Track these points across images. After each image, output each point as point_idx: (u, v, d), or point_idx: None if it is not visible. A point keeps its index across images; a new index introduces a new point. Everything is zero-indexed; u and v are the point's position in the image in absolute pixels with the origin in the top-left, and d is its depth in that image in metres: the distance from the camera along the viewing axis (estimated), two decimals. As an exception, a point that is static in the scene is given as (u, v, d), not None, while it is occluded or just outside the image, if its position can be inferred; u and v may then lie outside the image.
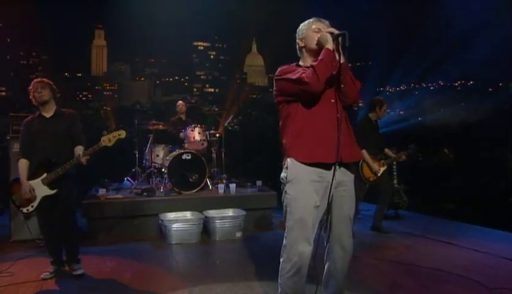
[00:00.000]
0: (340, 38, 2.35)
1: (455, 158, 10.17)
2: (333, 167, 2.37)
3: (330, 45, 2.35)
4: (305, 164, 2.37)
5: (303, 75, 2.32)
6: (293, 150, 2.41)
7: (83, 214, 5.32)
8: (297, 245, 2.33)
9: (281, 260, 2.43)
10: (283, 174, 2.47)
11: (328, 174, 2.37)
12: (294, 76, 2.36)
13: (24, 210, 3.64)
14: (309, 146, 2.37)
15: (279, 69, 2.50)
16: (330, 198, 2.42)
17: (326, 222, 2.49)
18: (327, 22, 2.52)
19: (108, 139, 3.61)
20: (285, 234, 2.43)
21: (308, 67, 2.38)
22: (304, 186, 2.36)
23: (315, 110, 2.40)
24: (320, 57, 2.34)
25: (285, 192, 2.44)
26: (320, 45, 2.41)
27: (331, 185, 2.37)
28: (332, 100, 2.43)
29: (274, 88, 2.54)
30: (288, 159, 2.42)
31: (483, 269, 3.94)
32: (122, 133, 3.68)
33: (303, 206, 2.36)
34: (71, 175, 3.73)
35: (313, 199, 2.36)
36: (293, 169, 2.40)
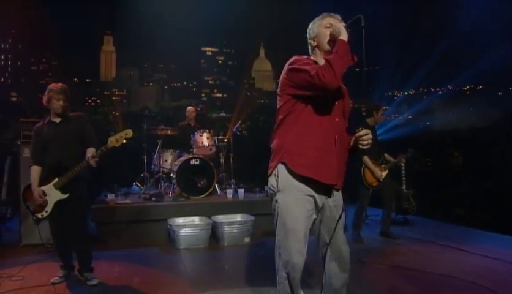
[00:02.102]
0: (354, 26, 2.24)
1: (464, 162, 10.09)
2: (327, 186, 2.33)
3: (344, 36, 2.21)
4: (300, 175, 2.28)
5: (319, 70, 2.14)
6: (289, 158, 2.29)
7: (92, 218, 5.35)
8: (290, 256, 2.27)
9: (276, 268, 2.38)
10: (273, 182, 2.35)
11: (320, 187, 2.31)
12: (312, 71, 2.16)
13: (39, 215, 3.65)
14: (308, 159, 2.28)
15: (294, 59, 2.35)
16: (321, 208, 2.37)
17: (318, 232, 2.43)
18: (338, 16, 2.39)
19: (115, 140, 3.60)
20: (277, 244, 2.35)
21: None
22: (296, 195, 2.29)
23: (320, 121, 2.30)
24: (334, 50, 2.19)
25: (276, 200, 2.34)
26: (334, 38, 2.27)
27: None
28: (337, 119, 2.36)
29: (284, 76, 2.35)
30: (280, 165, 2.31)
31: (493, 276, 3.89)
32: (129, 132, 3.66)
33: (295, 215, 2.28)
34: (83, 178, 3.74)
35: (306, 208, 2.29)
36: (284, 177, 2.30)
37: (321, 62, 2.33)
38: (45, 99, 3.73)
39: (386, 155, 5.55)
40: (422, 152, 5.79)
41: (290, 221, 2.29)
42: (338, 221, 2.39)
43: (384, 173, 5.32)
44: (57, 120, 3.77)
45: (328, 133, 2.32)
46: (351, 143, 2.42)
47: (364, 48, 2.25)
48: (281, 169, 2.32)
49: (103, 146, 3.64)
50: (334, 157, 2.32)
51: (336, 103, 2.37)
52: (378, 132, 5.70)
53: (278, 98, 2.44)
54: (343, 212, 2.43)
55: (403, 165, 5.88)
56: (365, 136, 2.28)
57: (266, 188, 6.31)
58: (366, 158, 5.16)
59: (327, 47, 2.34)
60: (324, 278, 2.47)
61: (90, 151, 3.63)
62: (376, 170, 5.23)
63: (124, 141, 3.69)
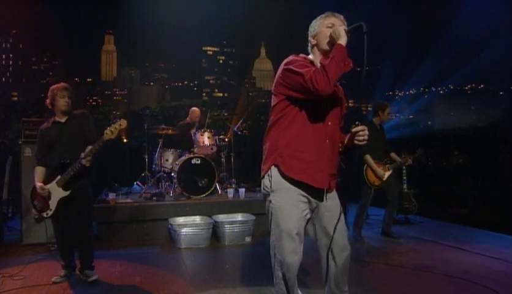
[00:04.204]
0: (355, 32, 2.20)
1: (466, 162, 10.07)
2: (320, 190, 2.32)
3: (343, 40, 2.17)
4: (290, 178, 2.28)
5: (314, 75, 2.10)
6: (282, 161, 2.28)
7: (93, 218, 5.34)
8: (284, 257, 2.27)
9: (272, 268, 2.38)
10: (266, 183, 2.35)
11: (312, 190, 2.30)
12: (307, 75, 2.12)
13: (44, 214, 3.67)
14: (301, 163, 2.27)
15: (291, 58, 2.31)
16: (315, 208, 2.37)
17: (315, 233, 2.43)
18: (341, 16, 2.34)
19: (110, 132, 3.53)
20: (272, 244, 2.36)
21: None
22: (290, 195, 2.28)
23: (313, 125, 2.29)
24: (331, 55, 2.14)
25: (270, 201, 2.34)
26: (333, 41, 2.23)
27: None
28: (330, 123, 2.34)
29: (280, 75, 2.32)
30: (273, 167, 2.31)
31: (495, 275, 3.88)
32: (124, 123, 3.60)
33: (289, 216, 2.28)
34: (87, 176, 3.74)
35: (299, 208, 2.29)
36: (277, 178, 2.30)
37: (318, 62, 2.31)
38: (48, 100, 3.75)
39: (392, 154, 5.48)
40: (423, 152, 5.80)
41: (284, 221, 2.28)
42: (338, 219, 2.36)
43: (387, 173, 5.28)
44: (63, 119, 3.77)
45: (320, 138, 2.31)
46: (346, 141, 2.41)
47: (365, 55, 2.18)
48: (274, 171, 2.32)
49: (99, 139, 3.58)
50: (325, 161, 2.32)
51: (331, 107, 2.35)
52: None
53: (272, 96, 2.42)
54: (341, 212, 2.41)
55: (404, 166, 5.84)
56: (361, 132, 2.27)
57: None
58: (368, 157, 5.14)
59: (327, 48, 2.30)
60: (326, 279, 2.45)
61: (86, 150, 3.57)
62: (379, 169, 5.20)
63: (120, 129, 3.62)
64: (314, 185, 2.28)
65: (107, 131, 3.54)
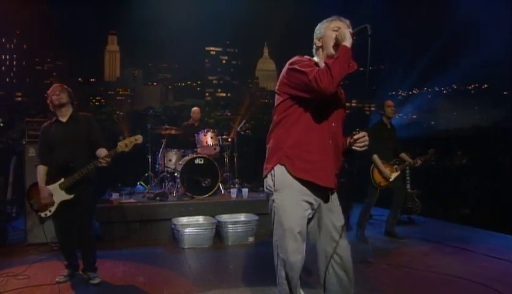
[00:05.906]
0: (360, 35, 2.23)
1: (470, 162, 10.03)
2: (325, 189, 2.34)
3: (348, 42, 2.20)
4: (299, 179, 2.29)
5: (317, 74, 2.13)
6: (290, 162, 2.29)
7: (96, 218, 5.36)
8: (288, 256, 2.27)
9: (275, 268, 2.38)
10: (269, 182, 2.36)
11: (317, 190, 2.31)
12: (311, 74, 2.14)
13: (42, 214, 3.66)
14: (308, 164, 2.28)
15: (295, 59, 2.34)
16: (317, 208, 2.38)
17: (315, 235, 2.44)
18: (347, 21, 2.36)
19: (124, 145, 3.57)
20: (275, 243, 2.37)
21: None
22: (293, 195, 2.29)
23: (318, 125, 2.30)
24: (335, 55, 2.18)
25: (273, 200, 2.34)
26: (338, 43, 2.25)
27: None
28: (333, 124, 2.35)
29: (284, 75, 2.34)
30: (278, 166, 2.32)
31: (499, 276, 3.87)
32: (139, 138, 3.64)
33: (292, 215, 2.29)
34: (90, 180, 3.74)
35: (302, 207, 2.30)
36: (281, 178, 2.30)
37: (323, 64, 2.32)
38: (49, 103, 3.78)
39: (403, 154, 5.41)
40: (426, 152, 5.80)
41: (287, 220, 2.29)
42: (342, 221, 2.39)
43: (395, 174, 5.22)
44: (64, 119, 3.78)
45: (324, 138, 2.32)
46: (347, 144, 2.43)
47: (369, 57, 2.23)
48: (278, 170, 2.32)
49: (112, 149, 3.63)
50: (330, 161, 2.33)
51: (334, 107, 2.36)
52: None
53: (276, 95, 2.44)
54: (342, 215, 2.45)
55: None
56: (362, 138, 2.31)
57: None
58: (376, 157, 5.09)
59: (332, 51, 2.32)
60: (324, 281, 2.43)
61: (103, 151, 3.64)
62: (386, 170, 5.15)
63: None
64: (322, 184, 2.30)
65: (121, 143, 3.58)
